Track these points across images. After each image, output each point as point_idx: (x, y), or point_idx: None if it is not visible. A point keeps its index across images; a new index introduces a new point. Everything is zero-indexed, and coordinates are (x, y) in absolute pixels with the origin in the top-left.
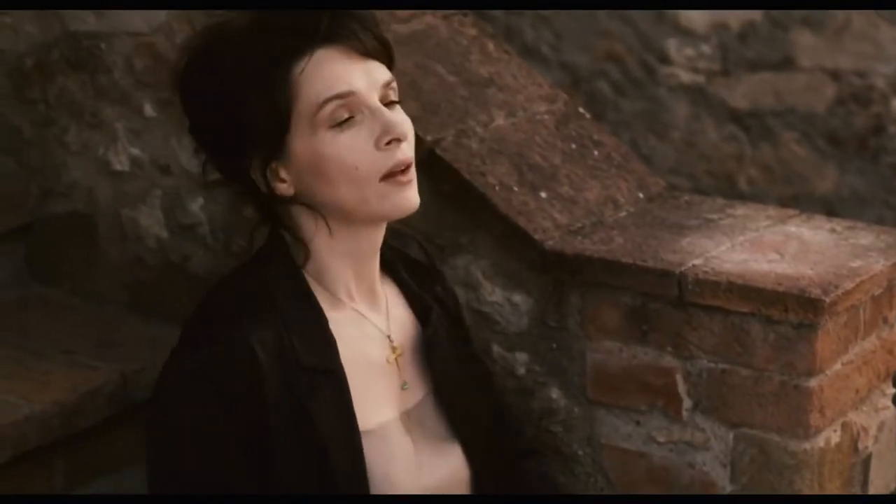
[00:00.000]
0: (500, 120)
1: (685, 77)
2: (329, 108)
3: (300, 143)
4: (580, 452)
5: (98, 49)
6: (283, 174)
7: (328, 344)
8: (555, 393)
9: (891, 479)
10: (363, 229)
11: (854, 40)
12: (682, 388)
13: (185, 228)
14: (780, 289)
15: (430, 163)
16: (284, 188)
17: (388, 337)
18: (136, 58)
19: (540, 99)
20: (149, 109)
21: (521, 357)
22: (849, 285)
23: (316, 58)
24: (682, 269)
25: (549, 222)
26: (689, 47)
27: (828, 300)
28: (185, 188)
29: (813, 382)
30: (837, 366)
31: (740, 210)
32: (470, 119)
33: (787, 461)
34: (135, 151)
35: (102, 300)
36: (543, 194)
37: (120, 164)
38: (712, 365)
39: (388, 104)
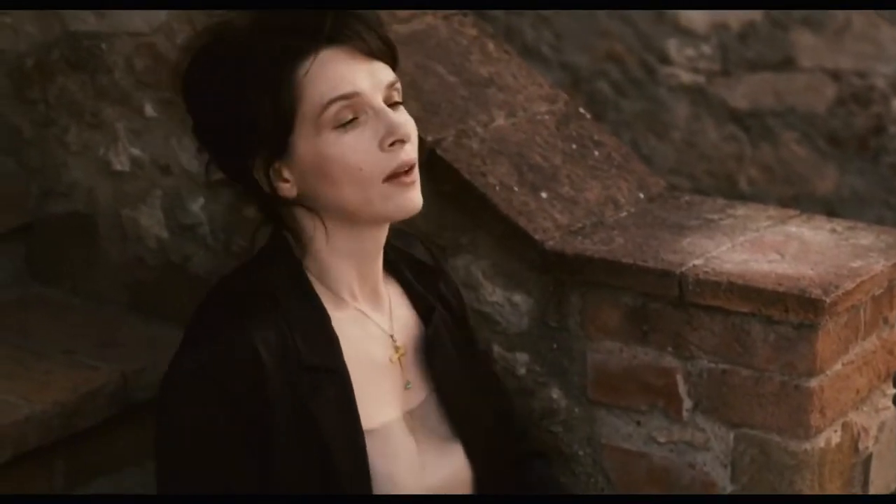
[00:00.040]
0: (500, 120)
1: (685, 77)
2: (333, 108)
3: (304, 143)
4: (580, 453)
5: (98, 49)
6: (286, 174)
7: (331, 343)
8: (555, 393)
9: (891, 479)
10: (366, 230)
11: (854, 40)
12: (682, 388)
13: (186, 228)
14: (781, 289)
15: (430, 163)
16: (287, 188)
17: (391, 336)
18: (136, 58)
19: (540, 99)
20: (149, 109)
21: (522, 357)
22: (849, 285)
23: (320, 58)
24: (683, 269)
25: (549, 222)
26: (689, 47)
27: (828, 300)
28: (185, 188)
29: (813, 383)
30: (838, 366)
31: (741, 210)
32: (470, 119)
33: (788, 461)
34: (135, 151)
35: (103, 300)
36: (544, 194)
37: (120, 164)
38: (713, 365)
39: (392, 105)
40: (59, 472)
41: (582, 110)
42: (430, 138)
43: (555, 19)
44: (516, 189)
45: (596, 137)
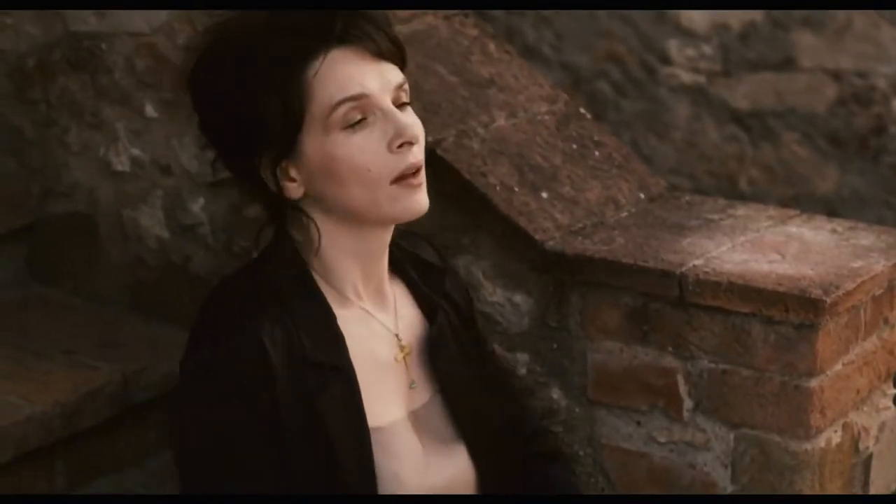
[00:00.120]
0: (501, 120)
1: (686, 77)
2: (342, 109)
3: (312, 143)
4: (581, 453)
5: (99, 49)
6: (293, 174)
7: (337, 341)
8: (555, 393)
9: (892, 479)
10: (371, 230)
11: (855, 41)
12: (682, 388)
13: (186, 229)
14: (781, 289)
15: (431, 163)
16: (294, 188)
17: (396, 336)
18: (136, 58)
19: (541, 99)
20: (150, 110)
21: (522, 357)
22: (850, 286)
23: (330, 59)
24: (683, 269)
25: (549, 223)
26: (689, 47)
27: (828, 300)
28: (186, 188)
29: (814, 383)
30: (838, 366)
31: (741, 210)
32: (471, 119)
33: (788, 461)
34: (136, 152)
35: (103, 300)
36: (544, 195)
37: (121, 164)
38: (713, 365)
39: (400, 105)
40: (60, 472)
41: (582, 110)
42: (430, 138)
43: (555, 19)
44: (517, 189)
45: (596, 138)
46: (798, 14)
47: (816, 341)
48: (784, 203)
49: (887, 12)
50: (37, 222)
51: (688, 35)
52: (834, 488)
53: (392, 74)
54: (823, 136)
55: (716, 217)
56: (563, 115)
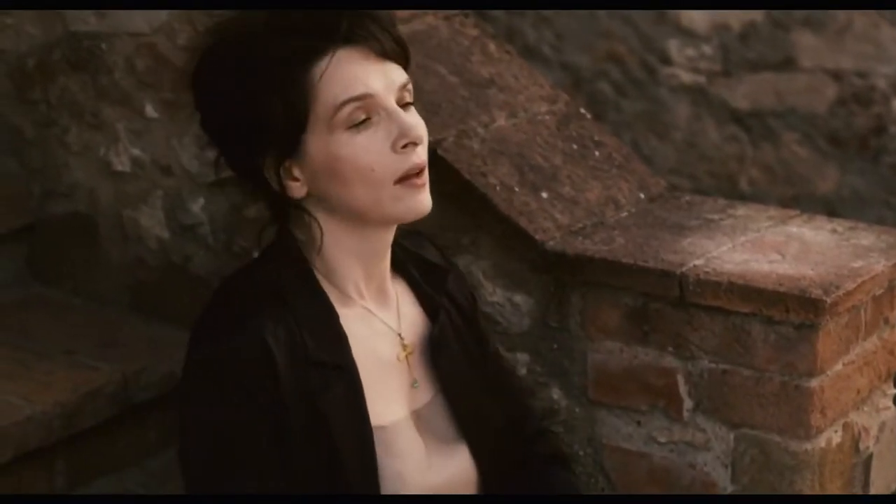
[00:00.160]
0: (501, 120)
1: (686, 77)
2: (347, 109)
3: (316, 143)
4: (581, 453)
5: (99, 49)
6: (296, 173)
7: (339, 340)
8: (556, 393)
9: (892, 479)
10: (374, 230)
11: (855, 41)
12: (682, 388)
13: (187, 229)
14: (781, 289)
15: (431, 163)
16: (297, 187)
17: (399, 335)
18: (137, 58)
19: (541, 99)
20: (150, 110)
21: (523, 357)
22: (850, 286)
23: (335, 59)
24: (683, 269)
25: (550, 223)
26: (690, 48)
27: (829, 300)
28: (186, 189)
29: (814, 383)
30: (838, 366)
31: (741, 210)
32: (471, 119)
33: (788, 461)
34: (136, 152)
35: (104, 301)
36: (544, 195)
37: (121, 164)
38: (713, 365)
39: (404, 105)
40: (60, 472)
41: (583, 111)
42: (430, 139)
43: (556, 20)
44: (517, 189)
45: (597, 138)
46: (798, 14)
47: (817, 341)
48: (784, 203)
49: (887, 12)
50: (37, 222)
51: (688, 35)
52: (834, 488)
53: (396, 74)
54: (824, 136)
55: (716, 217)
56: (564, 115)
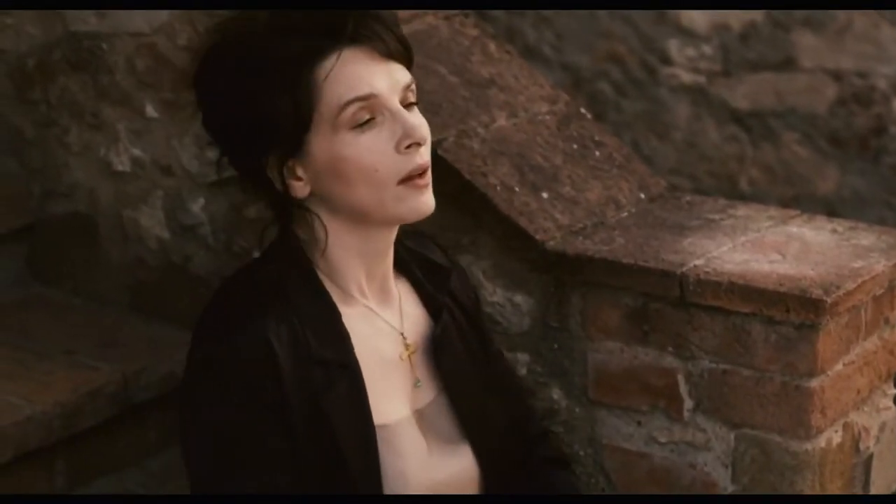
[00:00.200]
0: (501, 120)
1: (686, 77)
2: (351, 109)
3: (320, 142)
4: (581, 453)
5: (99, 49)
6: (299, 173)
7: (342, 338)
8: (556, 393)
9: (892, 479)
10: (376, 230)
11: (855, 41)
12: (683, 388)
13: (187, 229)
14: (782, 289)
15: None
16: (300, 187)
17: (402, 334)
18: (137, 58)
19: (541, 99)
20: (150, 110)
21: (523, 357)
22: (850, 286)
23: (341, 59)
24: (684, 269)
25: (550, 223)
26: (690, 48)
27: (829, 301)
28: (186, 189)
29: (814, 383)
30: (839, 366)
31: (741, 210)
32: (471, 119)
33: (789, 462)
34: (136, 152)
35: (104, 301)
36: (545, 195)
37: (121, 164)
38: (713, 365)
39: (407, 106)
40: (60, 472)
41: (583, 111)
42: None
43: (556, 20)
44: (517, 189)
45: (597, 138)
46: (798, 14)
47: (817, 341)
48: (784, 203)
49: (888, 12)
50: (37, 222)
51: (688, 35)
52: (834, 488)
53: (400, 74)
54: (824, 136)
55: (716, 217)
56: (564, 115)
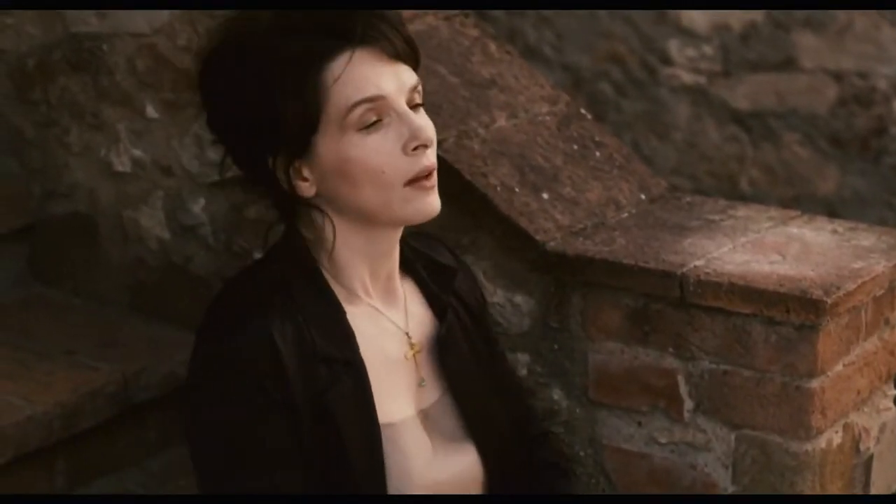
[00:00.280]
0: (501, 121)
1: (687, 78)
2: (358, 111)
3: (327, 143)
4: (582, 453)
5: (100, 50)
6: (306, 173)
7: (347, 337)
8: (556, 394)
9: (892, 479)
10: (381, 230)
11: (856, 41)
12: (683, 389)
13: (187, 229)
14: (782, 290)
15: None
16: (306, 187)
17: (406, 333)
18: (137, 59)
19: (542, 100)
20: (150, 110)
21: (523, 358)
22: (850, 286)
23: (350, 60)
24: (684, 270)
25: (550, 223)
26: (690, 48)
27: (829, 301)
28: (186, 189)
29: (814, 383)
30: (839, 367)
31: (742, 211)
32: (472, 120)
33: (789, 462)
34: (136, 152)
35: (104, 301)
36: (545, 195)
37: (122, 165)
38: (714, 366)
39: (414, 107)
40: (60, 472)
41: (583, 111)
42: None
43: (556, 20)
44: (517, 190)
45: (597, 138)
46: (799, 14)
47: (817, 342)
48: (785, 204)
49: (888, 13)
50: (37, 223)
51: (688, 35)
52: (835, 489)
53: (407, 76)
54: (824, 136)
55: (717, 218)
56: (564, 115)
